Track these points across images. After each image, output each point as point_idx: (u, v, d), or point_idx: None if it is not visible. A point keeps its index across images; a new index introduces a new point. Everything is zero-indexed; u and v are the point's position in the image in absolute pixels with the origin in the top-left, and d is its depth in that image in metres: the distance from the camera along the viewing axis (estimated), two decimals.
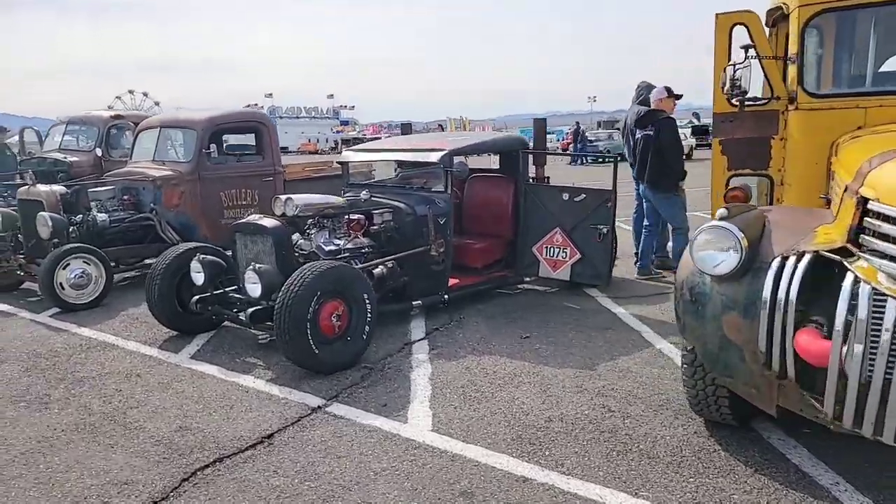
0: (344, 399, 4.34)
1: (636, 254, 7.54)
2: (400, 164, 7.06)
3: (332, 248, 5.60)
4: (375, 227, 5.81)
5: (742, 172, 4.97)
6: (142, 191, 8.01)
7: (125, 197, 8.03)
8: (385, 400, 4.31)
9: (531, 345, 5.25)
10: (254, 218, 5.32)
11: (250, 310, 4.90)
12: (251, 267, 4.93)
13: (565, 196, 6.41)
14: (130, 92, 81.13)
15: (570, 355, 4.99)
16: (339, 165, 9.88)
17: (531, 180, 6.65)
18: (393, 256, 5.72)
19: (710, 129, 5.03)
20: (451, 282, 6.20)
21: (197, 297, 5.34)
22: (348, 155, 6.81)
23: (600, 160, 27.22)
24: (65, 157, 10.55)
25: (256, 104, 65.83)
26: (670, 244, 7.90)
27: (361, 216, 5.83)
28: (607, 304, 6.42)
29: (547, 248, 6.55)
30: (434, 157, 6.00)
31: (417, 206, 5.92)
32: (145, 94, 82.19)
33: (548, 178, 6.88)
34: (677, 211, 7.19)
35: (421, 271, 5.94)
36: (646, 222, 7.34)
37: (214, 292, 5.38)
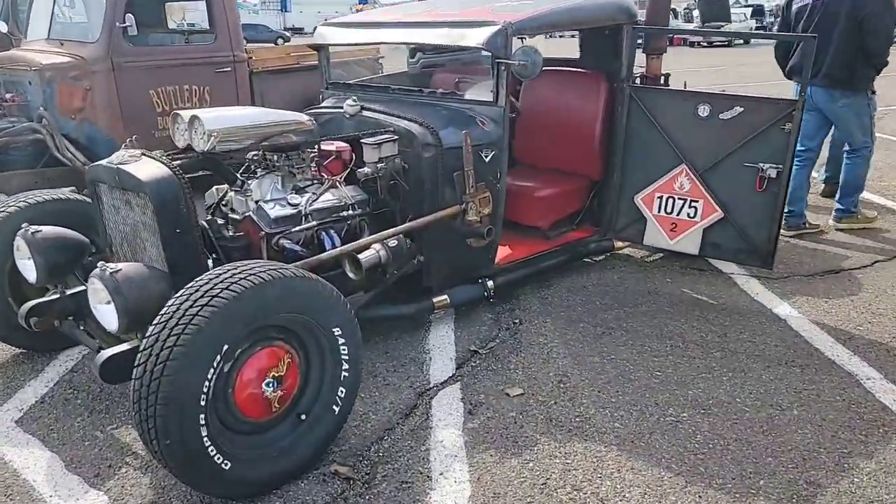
0: None
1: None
2: (417, 49, 4.28)
3: (285, 211, 3.00)
4: (367, 170, 3.15)
5: None
6: (28, 87, 5.34)
7: (5, 97, 5.37)
8: None
9: (666, 410, 2.73)
10: (121, 157, 2.68)
11: (105, 354, 2.38)
12: (99, 269, 2.37)
13: (703, 109, 3.65)
14: None
15: (756, 441, 2.47)
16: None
17: (638, 80, 3.87)
18: (402, 227, 3.10)
19: None
20: (499, 254, 3.63)
21: (31, 304, 2.82)
22: (326, 33, 3.99)
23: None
24: None
25: None
26: (816, 174, 5.27)
27: (344, 147, 3.19)
28: (761, 297, 3.82)
29: (661, 198, 3.86)
30: (478, 36, 3.23)
31: (444, 131, 3.23)
32: None
33: (667, 75, 4.09)
34: (865, 122, 4.55)
35: (449, 246, 3.35)
36: (806, 144, 4.58)
37: (68, 292, 2.86)
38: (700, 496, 2.27)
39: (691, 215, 3.80)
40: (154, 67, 5.44)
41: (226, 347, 2.09)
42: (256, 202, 3.00)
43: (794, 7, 4.58)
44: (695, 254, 3.91)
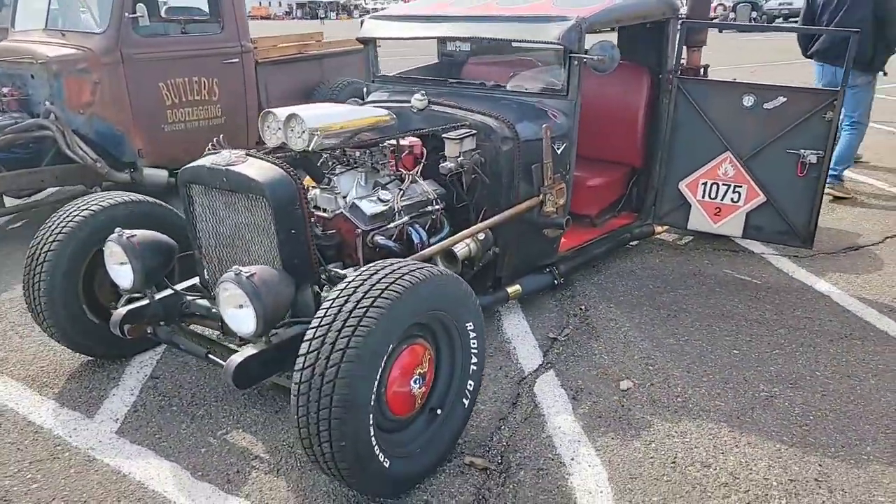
0: None
1: None
2: (460, 44, 4.28)
3: (379, 207, 3.00)
4: (451, 164, 3.18)
5: None
6: (30, 81, 5.07)
7: (3, 91, 5.08)
8: None
9: (757, 386, 2.89)
10: (226, 158, 2.62)
11: (237, 359, 2.35)
12: (233, 273, 2.33)
13: (748, 100, 3.82)
14: None
15: (849, 411, 2.66)
16: (327, 43, 7.07)
17: (678, 72, 4.01)
18: (490, 221, 3.15)
19: None
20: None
21: (125, 311, 2.74)
22: (375, 26, 3.96)
23: None
24: None
25: None
26: None
27: (416, 142, 3.19)
28: (798, 275, 4.05)
29: (705, 184, 4.03)
30: (553, 31, 3.29)
31: (520, 124, 3.28)
32: None
33: (706, 66, 4.25)
34: (871, 100, 5.28)
35: (524, 238, 3.42)
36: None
37: (157, 297, 2.79)
38: (820, 465, 2.44)
39: (735, 200, 3.98)
40: (162, 59, 5.26)
41: (391, 347, 2.12)
42: (345, 199, 3.00)
43: None
44: (738, 236, 4.11)
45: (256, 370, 2.41)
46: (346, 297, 2.12)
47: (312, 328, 2.11)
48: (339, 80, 6.52)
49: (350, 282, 2.18)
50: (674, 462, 2.48)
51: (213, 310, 2.71)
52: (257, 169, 2.55)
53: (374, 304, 2.08)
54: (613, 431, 2.66)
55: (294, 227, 2.57)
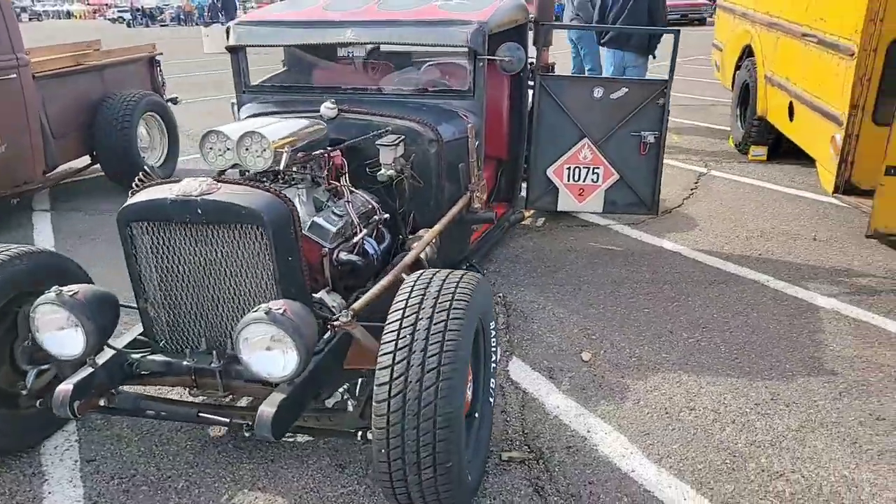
0: None
1: None
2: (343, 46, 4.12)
3: (338, 223, 2.82)
4: (390, 171, 3.10)
5: None
6: None
7: None
8: None
9: (681, 335, 3.37)
10: (195, 187, 2.26)
11: (269, 409, 2.08)
12: (261, 312, 2.04)
13: (598, 92, 4.33)
14: None
15: (755, 340, 3.26)
16: (105, 52, 6.18)
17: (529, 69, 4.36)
18: (441, 225, 3.15)
19: None
20: None
21: (71, 386, 2.21)
22: (245, 34, 3.60)
23: None
24: None
25: None
26: None
27: (336, 153, 3.06)
28: (646, 239, 4.73)
29: (570, 168, 4.48)
30: (459, 35, 3.37)
31: (441, 125, 3.33)
32: None
33: (552, 65, 4.66)
34: (644, 74, 6.41)
35: (451, 236, 3.48)
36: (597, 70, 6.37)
37: (95, 364, 2.31)
38: (766, 387, 2.97)
39: (595, 180, 4.49)
40: None
41: (471, 359, 2.08)
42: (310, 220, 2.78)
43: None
44: (600, 212, 4.64)
45: (288, 415, 2.18)
46: (414, 314, 2.03)
47: (388, 353, 1.98)
48: (130, 92, 5.79)
49: (407, 299, 2.09)
50: (667, 412, 2.81)
51: (186, 363, 2.36)
52: (245, 195, 2.27)
53: (453, 317, 2.03)
54: (604, 399, 2.90)
55: (291, 253, 2.34)
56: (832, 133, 4.69)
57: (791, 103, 5.57)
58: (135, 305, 2.47)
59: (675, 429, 2.71)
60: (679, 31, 4.30)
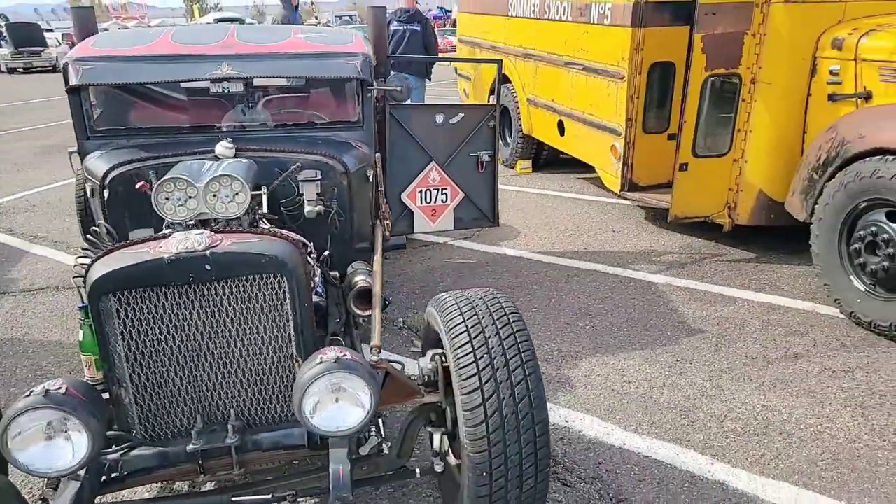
0: None
1: None
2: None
3: None
4: (318, 207, 2.96)
5: (717, 72, 4.57)
6: None
7: None
8: None
9: (574, 323, 3.78)
10: (198, 241, 1.94)
11: (344, 466, 1.90)
12: (324, 365, 1.85)
13: (439, 118, 4.58)
14: None
15: (629, 318, 3.81)
16: None
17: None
18: (378, 255, 3.08)
19: None
20: None
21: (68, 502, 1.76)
22: (89, 71, 3.01)
23: None
24: None
25: None
26: None
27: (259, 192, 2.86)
28: (489, 249, 5.12)
29: (421, 191, 4.65)
30: (347, 67, 3.33)
31: (345, 157, 3.26)
32: None
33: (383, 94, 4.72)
34: (424, 94, 7.68)
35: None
36: None
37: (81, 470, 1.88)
38: (667, 353, 3.51)
39: (444, 200, 4.74)
40: None
41: None
42: None
43: (394, 32, 6.70)
44: (452, 229, 4.89)
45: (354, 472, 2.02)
46: (480, 334, 2.06)
47: (471, 376, 1.98)
48: None
49: (458, 317, 2.10)
50: (613, 390, 3.17)
51: (191, 447, 2.03)
52: (258, 243, 2.05)
53: (517, 329, 2.09)
54: (559, 391, 3.16)
55: (306, 300, 2.16)
56: (611, 142, 5.62)
57: (561, 121, 6.50)
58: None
59: (628, 402, 3.08)
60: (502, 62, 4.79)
